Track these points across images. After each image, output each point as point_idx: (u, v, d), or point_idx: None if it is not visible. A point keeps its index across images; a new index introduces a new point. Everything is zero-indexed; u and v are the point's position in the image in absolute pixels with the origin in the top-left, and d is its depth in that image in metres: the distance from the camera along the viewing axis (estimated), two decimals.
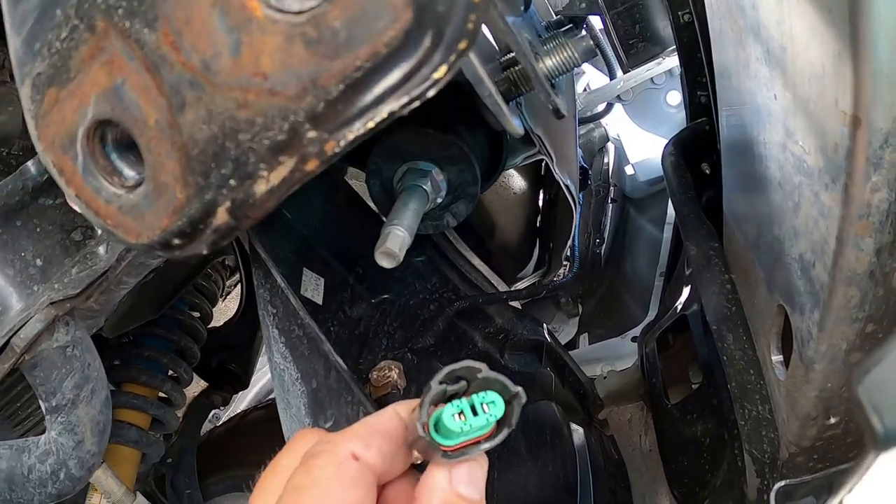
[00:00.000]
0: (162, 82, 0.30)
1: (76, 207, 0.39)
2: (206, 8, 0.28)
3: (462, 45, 0.27)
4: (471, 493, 0.36)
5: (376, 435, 0.36)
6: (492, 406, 0.34)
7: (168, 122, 0.31)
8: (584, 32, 0.46)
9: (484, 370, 0.34)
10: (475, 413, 0.34)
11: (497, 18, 0.41)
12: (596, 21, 1.06)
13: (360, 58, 0.26)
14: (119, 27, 0.30)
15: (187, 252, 0.37)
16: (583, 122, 1.33)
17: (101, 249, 0.60)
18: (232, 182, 0.31)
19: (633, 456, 0.95)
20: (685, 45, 0.82)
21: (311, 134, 0.28)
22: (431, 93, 0.28)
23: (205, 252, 0.37)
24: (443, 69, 0.27)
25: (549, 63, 0.44)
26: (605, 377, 1.00)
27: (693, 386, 0.84)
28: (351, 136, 0.29)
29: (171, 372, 1.09)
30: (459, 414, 0.34)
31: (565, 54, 0.44)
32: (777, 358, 0.61)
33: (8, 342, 0.58)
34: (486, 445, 0.35)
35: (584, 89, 1.41)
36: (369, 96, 0.27)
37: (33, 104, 0.37)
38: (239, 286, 1.17)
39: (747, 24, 0.57)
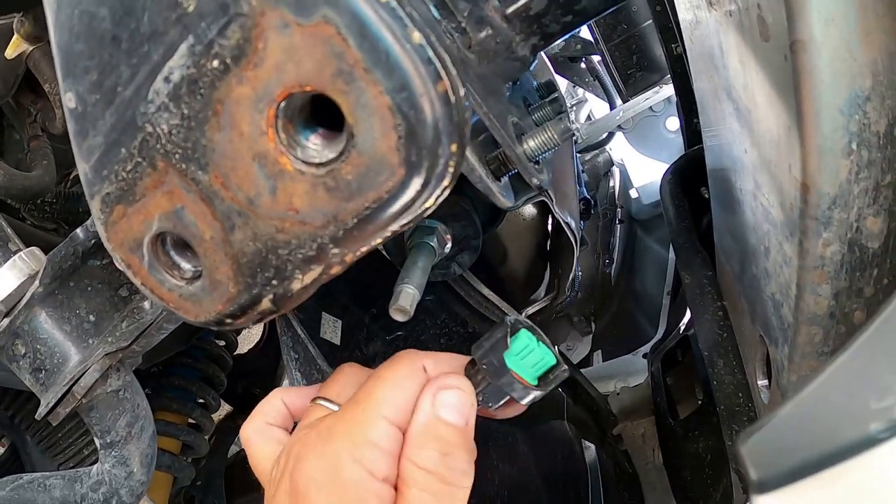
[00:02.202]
0: (215, 210, 0.41)
1: (144, 293, 0.50)
2: (248, 160, 0.38)
3: (445, 183, 0.37)
4: (452, 418, 0.43)
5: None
6: (547, 356, 0.45)
7: (221, 238, 0.42)
8: (563, 109, 0.56)
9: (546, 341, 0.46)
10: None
11: (483, 116, 0.51)
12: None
13: (368, 200, 0.36)
14: (177, 168, 0.41)
15: (235, 327, 0.48)
16: (587, 149, 1.42)
17: (147, 304, 0.72)
18: (274, 282, 0.42)
19: (646, 470, 1.05)
20: (679, 74, 0.91)
21: (335, 251, 0.39)
22: (425, 215, 0.39)
23: (250, 326, 0.49)
24: (430, 201, 0.37)
25: (531, 144, 0.54)
26: (618, 393, 1.10)
27: (699, 402, 0.94)
28: (365, 249, 0.40)
29: (199, 399, 1.21)
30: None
31: (546, 136, 0.54)
32: (762, 382, 0.70)
33: (69, 390, 0.70)
34: (526, 394, 0.45)
35: (588, 118, 1.50)
36: (377, 224, 0.38)
37: (103, 215, 0.48)
38: None
39: (721, 82, 0.66)
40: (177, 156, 0.41)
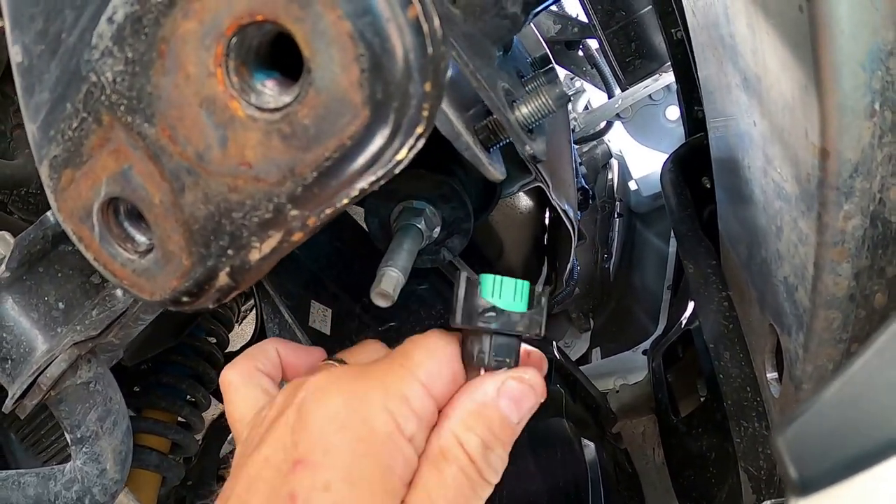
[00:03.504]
0: (163, 169, 0.35)
1: (97, 269, 0.44)
2: (195, 108, 0.33)
3: (419, 130, 0.31)
4: (511, 413, 0.38)
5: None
6: (518, 282, 0.40)
7: (171, 202, 0.36)
8: (557, 78, 0.50)
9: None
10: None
11: (470, 76, 0.46)
12: (592, 40, 1.09)
13: (328, 149, 0.31)
14: (122, 121, 0.36)
15: (195, 308, 0.42)
16: (584, 140, 1.36)
17: (119, 292, 0.66)
18: (230, 251, 0.36)
19: (646, 469, 0.98)
20: (679, 61, 0.85)
21: (294, 212, 0.33)
22: (398, 170, 0.33)
23: (210, 307, 0.43)
24: (403, 152, 0.32)
25: (524, 111, 0.48)
26: (617, 391, 1.04)
27: (701, 398, 0.87)
28: (329, 211, 0.34)
29: (189, 397, 1.15)
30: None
31: (540, 102, 0.48)
32: (772, 375, 0.64)
33: (35, 381, 0.65)
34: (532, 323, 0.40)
35: (585, 108, 1.44)
36: (340, 179, 0.32)
37: (51, 181, 0.42)
38: (254, 311, 1.23)
39: (726, 52, 0.60)
40: (122, 107, 0.36)
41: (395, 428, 0.36)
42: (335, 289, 0.76)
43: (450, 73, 0.52)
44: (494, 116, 0.49)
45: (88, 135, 0.38)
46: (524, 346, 0.43)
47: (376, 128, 0.30)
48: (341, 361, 0.44)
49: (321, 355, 0.47)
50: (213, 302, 0.42)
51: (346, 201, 0.33)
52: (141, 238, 0.42)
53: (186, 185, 0.35)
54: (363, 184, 0.32)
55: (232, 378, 0.45)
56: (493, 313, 0.39)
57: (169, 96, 0.33)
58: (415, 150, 0.32)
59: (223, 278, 0.38)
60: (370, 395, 0.36)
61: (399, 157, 0.32)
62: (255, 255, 0.36)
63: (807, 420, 0.27)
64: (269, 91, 0.32)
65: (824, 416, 0.25)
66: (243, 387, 0.44)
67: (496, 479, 0.38)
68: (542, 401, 0.41)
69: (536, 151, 0.48)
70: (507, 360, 0.41)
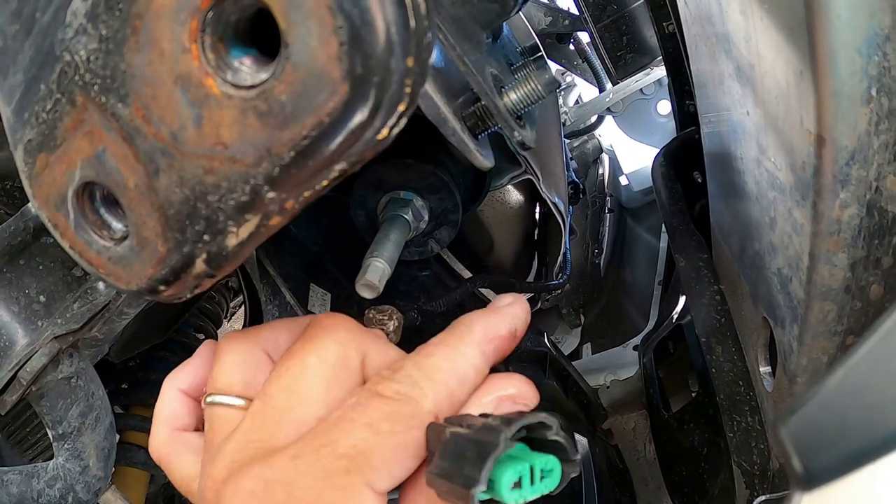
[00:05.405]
0: (137, 151, 0.34)
1: (74, 258, 0.43)
2: (170, 85, 0.31)
3: (401, 108, 0.30)
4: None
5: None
6: (548, 476, 0.31)
7: (146, 185, 0.35)
8: (546, 64, 0.49)
9: (555, 427, 0.32)
10: (532, 482, 0.31)
11: (457, 59, 0.44)
12: (584, 34, 1.08)
13: (306, 127, 0.29)
14: (96, 101, 0.34)
15: (173, 297, 0.41)
16: (575, 134, 1.35)
17: (101, 284, 0.64)
18: (206, 237, 0.35)
19: (637, 465, 0.97)
20: (671, 55, 0.84)
21: (271, 195, 0.32)
22: (379, 150, 0.32)
23: (189, 296, 0.41)
24: (385, 131, 0.30)
25: (513, 97, 0.47)
26: (608, 386, 1.03)
27: (693, 394, 0.86)
28: (307, 194, 0.32)
29: None
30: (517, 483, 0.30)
31: (529, 87, 0.47)
32: (765, 369, 0.63)
33: (15, 375, 0.63)
34: None
35: (576, 102, 1.43)
36: (319, 159, 0.30)
37: (26, 166, 0.41)
38: (243, 307, 1.21)
39: (718, 41, 0.59)
40: (95, 87, 0.34)
41: None
42: (335, 272, 0.74)
43: (436, 55, 0.50)
44: (483, 103, 0.48)
45: (62, 117, 0.37)
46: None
47: (356, 104, 0.28)
48: (223, 395, 0.39)
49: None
50: (190, 291, 0.40)
51: (325, 183, 0.32)
52: (117, 225, 0.41)
53: (161, 167, 0.33)
54: (343, 165, 0.31)
55: (160, 452, 0.42)
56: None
57: (143, 74, 0.32)
58: (396, 130, 0.31)
59: (200, 265, 0.37)
60: None
61: (380, 136, 0.30)
62: (231, 241, 0.35)
63: (811, 409, 0.25)
64: (247, 68, 0.31)
65: (830, 404, 0.24)
66: (174, 458, 0.42)
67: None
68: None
69: (525, 138, 0.47)
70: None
